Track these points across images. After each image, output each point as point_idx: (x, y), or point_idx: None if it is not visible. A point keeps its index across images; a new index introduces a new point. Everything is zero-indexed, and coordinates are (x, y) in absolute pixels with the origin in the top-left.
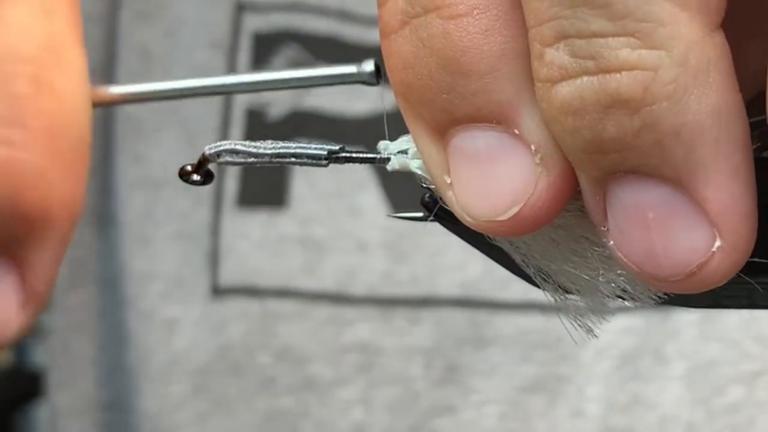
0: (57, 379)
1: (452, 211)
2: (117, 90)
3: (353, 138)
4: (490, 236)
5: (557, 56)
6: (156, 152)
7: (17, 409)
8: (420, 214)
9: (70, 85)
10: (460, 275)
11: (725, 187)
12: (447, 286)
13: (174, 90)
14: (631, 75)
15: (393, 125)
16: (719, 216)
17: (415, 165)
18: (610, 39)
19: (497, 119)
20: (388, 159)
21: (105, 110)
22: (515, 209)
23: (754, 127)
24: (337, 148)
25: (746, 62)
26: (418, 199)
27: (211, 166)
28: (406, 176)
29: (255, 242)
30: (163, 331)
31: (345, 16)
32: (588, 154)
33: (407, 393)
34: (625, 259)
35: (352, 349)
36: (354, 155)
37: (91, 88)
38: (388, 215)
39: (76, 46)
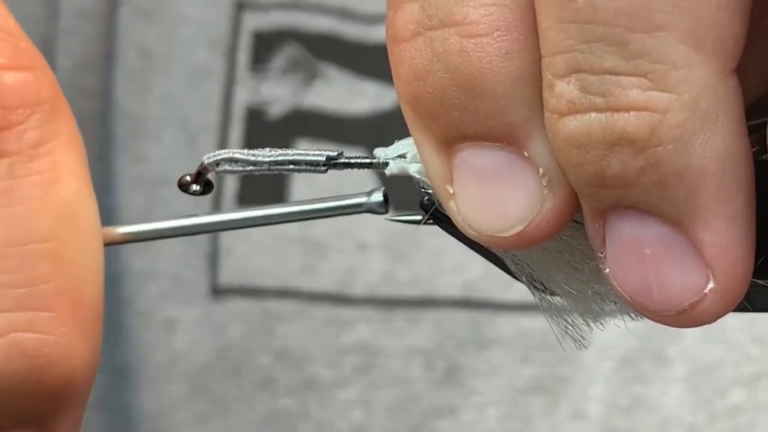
0: None
1: (453, 221)
2: (125, 230)
3: (354, 137)
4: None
5: (567, 90)
6: (155, 151)
7: None
8: (418, 217)
9: (87, 250)
10: (461, 276)
11: (723, 232)
12: (447, 286)
13: (181, 228)
14: (640, 115)
15: (396, 125)
16: (715, 259)
17: (413, 169)
18: (622, 78)
19: (507, 140)
20: (387, 164)
21: (103, 107)
22: (519, 227)
23: (753, 130)
24: (335, 153)
25: (749, 67)
26: (419, 200)
27: (210, 176)
28: (406, 177)
29: (255, 242)
30: (162, 331)
31: (345, 14)
32: (590, 187)
33: (407, 394)
34: (619, 289)
35: (351, 349)
36: (352, 161)
37: (101, 231)
38: (387, 218)
39: (88, 199)
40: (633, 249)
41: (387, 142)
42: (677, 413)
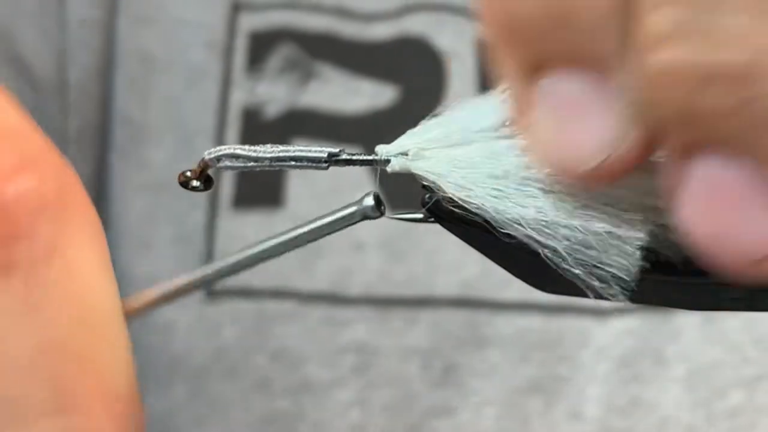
0: None
1: (530, 151)
2: (142, 298)
3: (351, 136)
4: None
5: (661, 22)
6: (153, 155)
7: None
8: (419, 215)
9: (111, 348)
10: (458, 275)
11: None
12: (445, 285)
13: (193, 282)
14: (738, 49)
15: (393, 123)
16: None
17: (415, 166)
18: (719, 11)
19: (594, 70)
20: (389, 161)
21: (101, 113)
22: (599, 160)
23: None
24: (337, 150)
25: None
26: (414, 198)
27: (211, 172)
28: (401, 174)
29: (249, 243)
30: (161, 335)
31: (342, 12)
32: (678, 124)
33: (404, 394)
34: (692, 233)
35: (348, 349)
36: (354, 158)
37: (122, 306)
38: (387, 216)
39: (107, 292)
40: (714, 191)
41: (383, 141)
42: (676, 414)
